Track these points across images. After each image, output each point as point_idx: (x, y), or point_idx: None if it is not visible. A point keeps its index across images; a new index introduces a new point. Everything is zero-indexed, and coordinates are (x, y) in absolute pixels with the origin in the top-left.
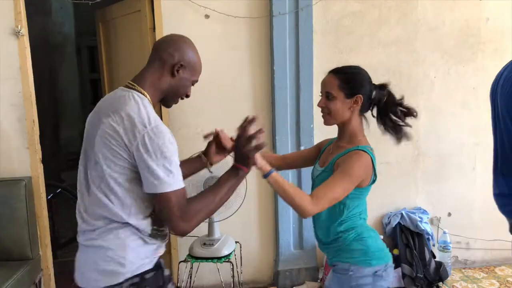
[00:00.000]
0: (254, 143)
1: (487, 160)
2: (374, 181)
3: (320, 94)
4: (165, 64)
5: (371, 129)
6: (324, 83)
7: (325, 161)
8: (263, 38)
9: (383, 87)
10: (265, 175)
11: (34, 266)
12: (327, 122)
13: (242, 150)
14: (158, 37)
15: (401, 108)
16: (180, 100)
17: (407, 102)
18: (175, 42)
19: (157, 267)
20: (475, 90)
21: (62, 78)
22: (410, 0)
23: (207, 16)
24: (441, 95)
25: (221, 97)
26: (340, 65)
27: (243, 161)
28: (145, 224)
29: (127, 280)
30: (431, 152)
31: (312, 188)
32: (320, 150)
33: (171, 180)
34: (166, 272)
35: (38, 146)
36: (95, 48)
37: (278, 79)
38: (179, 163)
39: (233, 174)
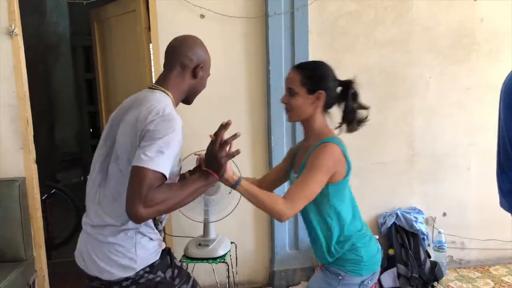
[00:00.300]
0: (226, 150)
1: (482, 160)
2: (349, 171)
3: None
4: (186, 68)
5: (367, 128)
6: (286, 79)
7: (298, 165)
8: (258, 38)
9: (348, 85)
10: (234, 185)
11: (28, 267)
12: (290, 119)
13: (215, 155)
14: (153, 37)
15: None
16: None
17: (403, 102)
18: (191, 45)
19: (163, 254)
20: (470, 90)
21: (57, 78)
22: (406, 0)
23: (202, 16)
24: (435, 95)
25: (217, 97)
26: (336, 65)
27: (213, 167)
28: (148, 226)
29: (138, 272)
30: (426, 152)
31: None
32: (292, 156)
33: (159, 160)
34: (170, 253)
35: (32, 147)
36: (91, 48)
37: (274, 79)
38: (176, 156)
39: (202, 178)
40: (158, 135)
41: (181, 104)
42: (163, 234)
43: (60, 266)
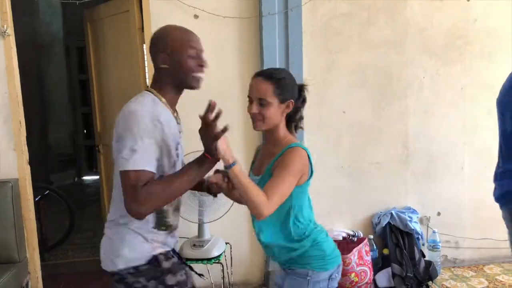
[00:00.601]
0: (212, 131)
1: (476, 160)
2: (311, 175)
3: (248, 99)
4: (158, 62)
5: (362, 128)
6: (256, 89)
7: (260, 169)
8: (252, 39)
9: (303, 89)
10: (227, 166)
11: (21, 269)
12: (258, 128)
13: (203, 135)
14: (146, 38)
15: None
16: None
17: (397, 103)
18: (154, 39)
19: (152, 261)
20: (464, 90)
21: (50, 78)
22: (399, 1)
23: (196, 16)
24: (430, 95)
25: (213, 97)
26: (330, 65)
27: (208, 150)
28: (144, 223)
29: (121, 270)
30: (420, 152)
31: None
32: (253, 159)
33: (134, 159)
34: (166, 264)
35: (25, 148)
36: (84, 48)
37: None
38: (160, 146)
39: (197, 163)
40: (123, 134)
41: (179, 104)
42: (176, 234)
43: (53, 267)
